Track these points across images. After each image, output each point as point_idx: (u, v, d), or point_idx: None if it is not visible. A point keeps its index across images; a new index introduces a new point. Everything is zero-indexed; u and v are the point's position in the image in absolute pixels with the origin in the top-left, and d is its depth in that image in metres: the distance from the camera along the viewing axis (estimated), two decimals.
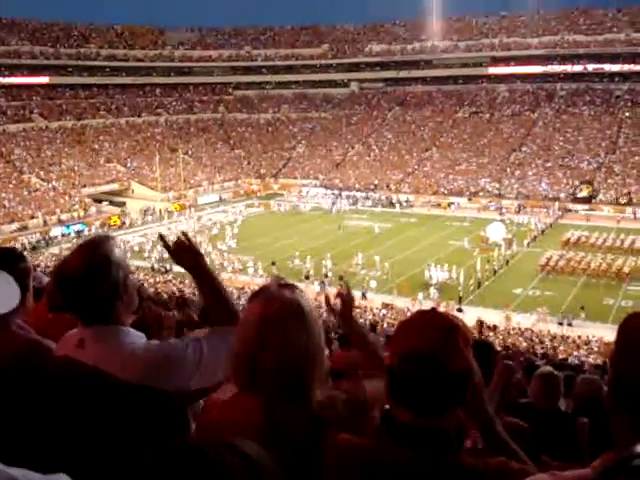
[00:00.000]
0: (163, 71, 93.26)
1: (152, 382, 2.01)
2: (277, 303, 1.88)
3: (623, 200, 56.13)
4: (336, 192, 66.27)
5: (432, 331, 1.61)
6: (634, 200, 56.01)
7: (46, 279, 4.25)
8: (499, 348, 15.94)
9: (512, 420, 3.62)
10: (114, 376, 2.00)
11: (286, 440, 1.75)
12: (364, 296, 34.32)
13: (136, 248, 46.62)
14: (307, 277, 38.01)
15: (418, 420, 1.59)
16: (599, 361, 19.48)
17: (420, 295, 34.26)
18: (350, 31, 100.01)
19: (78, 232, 50.94)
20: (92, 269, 2.10)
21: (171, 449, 0.91)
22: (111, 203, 61.53)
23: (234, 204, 64.09)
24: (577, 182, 60.14)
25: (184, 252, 2.41)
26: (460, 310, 32.43)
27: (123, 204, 61.85)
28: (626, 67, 78.53)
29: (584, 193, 57.62)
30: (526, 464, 1.62)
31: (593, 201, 57.50)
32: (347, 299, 2.56)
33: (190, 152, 76.99)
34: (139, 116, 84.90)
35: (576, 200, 57.68)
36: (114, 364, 2.02)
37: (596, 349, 25.08)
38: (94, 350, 2.08)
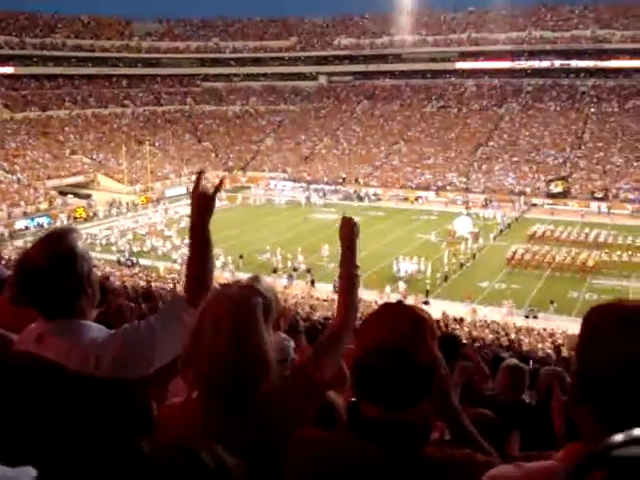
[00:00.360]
0: (130, 62, 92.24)
1: (116, 374, 1.98)
2: (222, 305, 1.86)
3: (599, 195, 56.72)
4: (304, 185, 66.20)
5: (399, 324, 1.61)
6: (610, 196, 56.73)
7: (8, 272, 4.19)
8: (465, 341, 16.06)
9: (481, 411, 3.64)
10: (74, 370, 1.96)
11: (234, 444, 1.74)
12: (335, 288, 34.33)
13: (103, 241, 46.15)
14: (275, 271, 37.98)
15: (385, 414, 1.59)
16: (566, 354, 19.74)
17: (388, 288, 34.39)
18: (319, 24, 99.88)
19: (43, 225, 50.23)
20: (55, 262, 2.06)
21: (110, 452, 0.87)
22: (77, 196, 60.72)
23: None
24: (548, 177, 60.50)
25: (204, 197, 2.45)
26: (426, 303, 32.73)
27: (89, 196, 61.12)
28: (592, 63, 79.58)
29: (559, 189, 57.93)
30: (491, 456, 1.63)
31: (568, 196, 57.89)
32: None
33: (157, 144, 76.37)
34: (105, 107, 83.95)
35: (550, 196, 57.96)
36: (75, 359, 1.98)
37: (560, 341, 25.41)
38: (54, 345, 2.03)
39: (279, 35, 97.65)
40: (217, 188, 2.45)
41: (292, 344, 4.25)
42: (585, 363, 1.37)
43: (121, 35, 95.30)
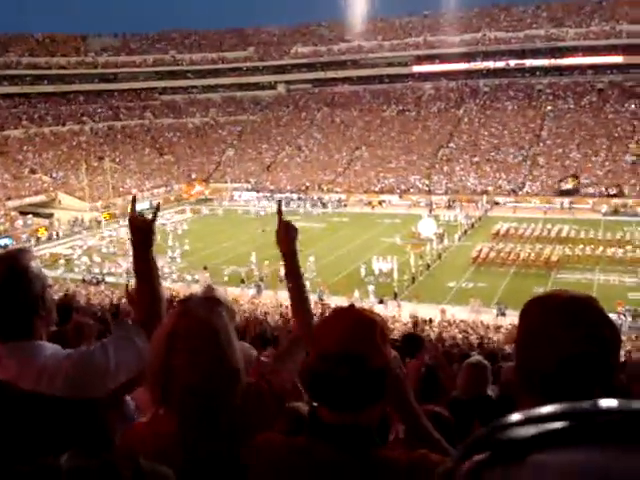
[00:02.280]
0: (86, 78, 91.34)
1: (70, 393, 1.97)
2: (188, 319, 1.86)
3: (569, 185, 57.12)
4: (267, 195, 66.11)
5: (349, 329, 1.61)
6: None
7: None
8: (435, 340, 16.16)
9: (431, 407, 3.67)
10: (27, 390, 1.93)
11: (205, 462, 1.76)
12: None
13: (64, 260, 45.59)
14: (242, 281, 37.85)
15: (338, 417, 1.60)
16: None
17: (356, 293, 34.49)
18: (275, 33, 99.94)
19: (7, 246, 49.40)
20: (6, 283, 2.04)
21: (30, 466, 0.86)
22: (38, 215, 59.90)
23: (167, 211, 63.40)
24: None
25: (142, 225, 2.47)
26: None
27: (50, 216, 60.32)
28: (547, 62, 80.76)
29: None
30: (447, 455, 1.64)
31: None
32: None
33: (118, 159, 75.65)
34: (63, 125, 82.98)
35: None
36: (27, 379, 1.97)
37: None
38: (6, 366, 2.02)
39: (236, 46, 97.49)
40: (154, 215, 2.45)
41: (255, 353, 4.24)
42: (528, 354, 1.39)
43: (77, 51, 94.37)
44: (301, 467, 1.62)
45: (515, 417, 0.69)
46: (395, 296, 34.86)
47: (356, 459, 1.56)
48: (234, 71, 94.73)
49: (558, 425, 0.64)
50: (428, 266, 40.00)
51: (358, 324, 1.63)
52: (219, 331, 1.85)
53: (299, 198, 64.40)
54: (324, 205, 61.71)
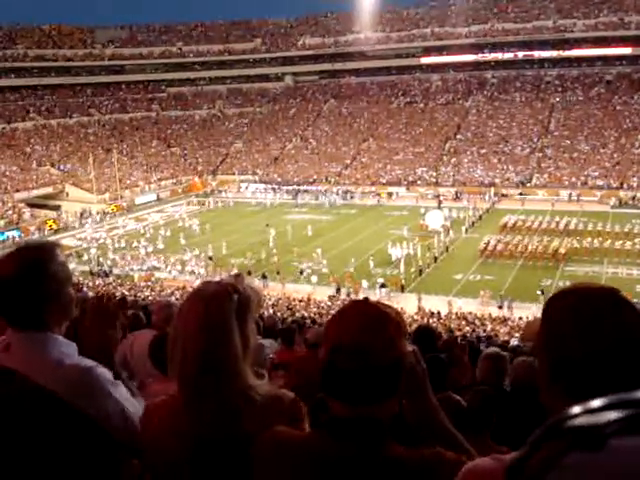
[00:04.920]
0: (94, 70, 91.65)
1: (69, 397, 1.96)
2: (202, 301, 1.87)
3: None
4: (275, 187, 66.23)
5: (363, 322, 1.60)
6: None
7: None
8: (443, 333, 16.14)
9: (449, 395, 3.64)
10: (36, 382, 1.95)
11: (217, 437, 1.78)
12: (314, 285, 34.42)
13: (74, 252, 45.75)
14: (249, 273, 37.88)
15: (350, 411, 1.58)
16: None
17: (365, 283, 34.62)
18: (282, 25, 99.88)
19: (14, 238, 49.59)
20: (23, 273, 2.04)
21: None
22: (46, 207, 60.13)
23: (173, 203, 63.61)
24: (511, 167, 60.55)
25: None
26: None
27: (58, 208, 60.51)
28: (555, 53, 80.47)
29: None
30: (463, 454, 1.61)
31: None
32: None
33: (125, 152, 75.86)
34: (70, 117, 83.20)
35: None
36: (37, 371, 1.97)
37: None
38: (19, 355, 2.02)
39: (243, 37, 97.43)
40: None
41: (267, 343, 4.23)
42: (554, 345, 1.40)
43: (83, 43, 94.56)
44: (309, 461, 1.61)
45: (575, 409, 0.72)
46: (402, 288, 34.88)
47: (366, 454, 1.55)
48: (241, 63, 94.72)
49: (624, 412, 0.67)
50: (435, 258, 39.97)
51: (371, 317, 1.61)
52: (220, 316, 1.86)
53: (306, 190, 64.40)
54: (331, 197, 61.44)
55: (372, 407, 1.58)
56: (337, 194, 61.84)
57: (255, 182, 69.58)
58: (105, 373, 2.08)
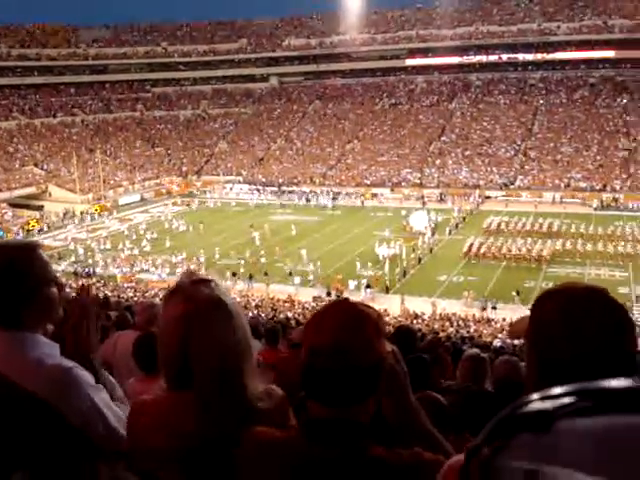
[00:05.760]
0: (77, 70, 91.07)
1: (49, 397, 1.95)
2: (197, 300, 1.86)
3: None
4: (260, 188, 66.19)
5: (342, 322, 1.59)
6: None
7: None
8: (427, 334, 16.17)
9: (428, 393, 3.65)
10: (14, 382, 1.95)
11: (220, 436, 1.76)
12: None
13: (57, 252, 45.48)
14: (234, 274, 37.81)
15: (329, 412, 1.58)
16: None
17: (351, 285, 34.66)
18: (268, 25, 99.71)
19: None
20: (1, 273, 2.03)
21: None
22: (28, 207, 59.73)
23: (156, 203, 63.36)
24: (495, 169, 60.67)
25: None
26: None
27: (41, 208, 60.14)
28: (539, 56, 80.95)
29: None
30: (441, 454, 1.62)
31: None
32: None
33: (109, 152, 75.47)
34: (54, 117, 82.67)
35: None
36: (15, 371, 1.96)
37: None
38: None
39: (228, 38, 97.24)
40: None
41: (254, 343, 4.23)
42: (543, 345, 1.42)
43: (67, 42, 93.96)
44: (291, 462, 1.60)
45: (533, 396, 0.77)
46: (387, 289, 34.96)
47: (346, 455, 1.55)
48: (226, 63, 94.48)
49: (576, 398, 0.73)
50: (419, 260, 40.07)
51: (350, 317, 1.61)
52: (231, 303, 1.89)
53: (291, 191, 64.41)
54: (316, 198, 61.47)
55: (351, 408, 1.57)
56: (329, 194, 61.83)
57: (240, 183, 69.43)
58: (85, 375, 2.07)
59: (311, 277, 36.92)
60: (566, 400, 0.73)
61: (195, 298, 1.86)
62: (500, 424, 0.78)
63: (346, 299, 1.69)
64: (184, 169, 75.17)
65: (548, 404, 0.74)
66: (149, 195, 67.09)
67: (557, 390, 0.75)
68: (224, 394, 1.83)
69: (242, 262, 39.97)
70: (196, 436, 1.79)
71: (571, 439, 0.70)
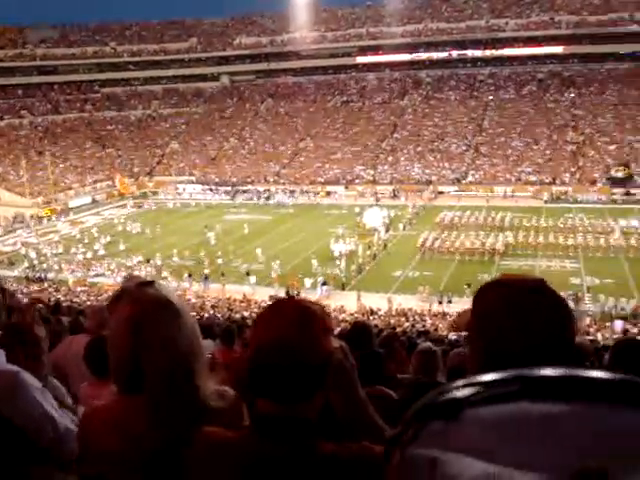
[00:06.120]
0: (25, 71, 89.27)
1: None
2: (143, 301, 1.85)
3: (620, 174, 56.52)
4: (213, 187, 65.83)
5: (288, 319, 1.60)
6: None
7: None
8: (383, 329, 16.26)
9: (379, 389, 3.67)
10: None
11: (172, 437, 1.76)
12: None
13: (7, 258, 44.61)
14: (190, 275, 37.53)
15: (277, 409, 1.58)
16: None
17: (307, 282, 34.67)
18: (218, 24, 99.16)
19: None
20: None
21: None
22: None
23: (107, 206, 62.55)
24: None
25: None
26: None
27: None
28: (488, 52, 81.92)
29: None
30: None
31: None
32: None
33: (58, 154, 74.21)
34: (1, 119, 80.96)
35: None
36: None
37: None
38: None
39: (178, 37, 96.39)
40: None
41: (205, 343, 4.20)
42: (490, 336, 1.44)
43: (14, 43, 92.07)
44: (241, 461, 1.60)
45: (451, 384, 0.79)
46: (343, 286, 35.05)
47: (295, 452, 1.55)
48: (176, 62, 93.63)
49: (486, 386, 0.75)
50: (375, 256, 40.26)
51: (296, 314, 1.61)
52: (178, 304, 1.88)
53: (244, 191, 64.17)
54: (269, 197, 61.35)
55: (299, 405, 1.58)
56: (285, 193, 61.72)
57: (192, 183, 68.93)
58: (31, 379, 2.04)
59: (272, 274, 36.75)
60: (478, 388, 0.74)
61: (141, 300, 1.85)
62: (416, 413, 0.79)
63: (291, 296, 1.70)
64: (136, 170, 74.33)
65: (462, 392, 0.75)
66: (101, 197, 66.20)
67: (476, 378, 0.76)
68: (175, 395, 1.82)
69: (197, 263, 39.72)
70: (148, 438, 1.77)
71: (474, 427, 0.71)
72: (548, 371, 0.73)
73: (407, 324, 25.70)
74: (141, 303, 1.84)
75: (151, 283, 1.92)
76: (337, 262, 37.95)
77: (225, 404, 1.90)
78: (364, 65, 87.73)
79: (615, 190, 53.81)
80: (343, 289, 34.80)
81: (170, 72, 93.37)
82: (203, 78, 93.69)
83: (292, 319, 1.60)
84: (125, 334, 1.82)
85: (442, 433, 0.74)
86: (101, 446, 1.86)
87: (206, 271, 37.95)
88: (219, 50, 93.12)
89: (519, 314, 1.42)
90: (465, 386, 0.76)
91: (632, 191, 53.39)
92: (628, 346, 4.17)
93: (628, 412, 0.67)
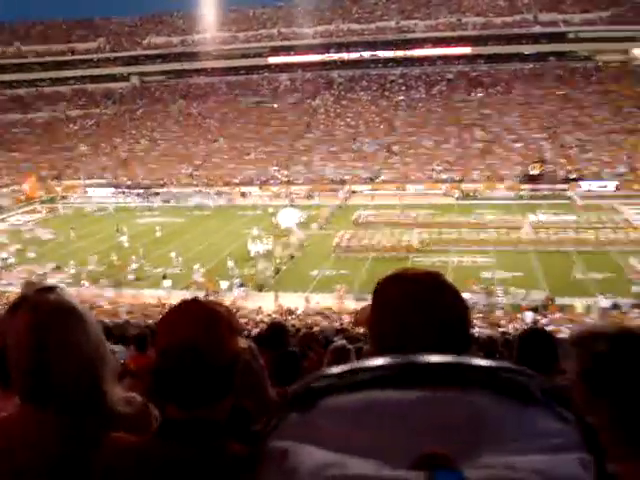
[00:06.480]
0: None
1: None
2: (44, 308, 1.77)
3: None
4: (125, 190, 64.59)
5: (192, 321, 1.56)
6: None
7: None
8: (301, 329, 16.29)
9: (287, 388, 3.66)
10: None
11: (82, 446, 1.70)
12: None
13: None
14: (104, 280, 36.71)
15: (185, 413, 1.55)
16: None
17: (223, 284, 34.40)
18: (127, 24, 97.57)
19: None
20: None
21: None
22: None
23: (12, 212, 60.53)
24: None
25: None
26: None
27: None
28: (398, 53, 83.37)
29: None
30: None
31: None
32: None
33: None
34: None
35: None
36: None
37: None
38: None
39: (86, 37, 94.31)
40: None
41: (117, 349, 4.09)
42: (383, 333, 1.47)
43: None
44: (147, 466, 1.56)
45: (314, 375, 0.78)
46: (260, 287, 34.97)
47: (202, 455, 1.52)
48: (84, 63, 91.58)
49: (344, 375, 0.75)
50: (292, 256, 40.32)
51: (201, 316, 1.58)
52: (81, 309, 1.82)
53: (157, 193, 63.13)
54: (183, 199, 60.57)
55: (207, 408, 1.55)
56: (209, 194, 60.99)
57: (103, 186, 67.38)
58: None
59: (197, 278, 36.28)
60: (334, 379, 0.74)
61: (42, 306, 1.77)
62: (279, 405, 0.79)
63: (195, 298, 1.65)
64: (43, 174, 72.11)
65: (318, 383, 0.75)
66: (7, 203, 63.94)
67: (339, 368, 0.76)
68: (83, 403, 1.75)
69: (110, 267, 38.93)
70: (55, 446, 1.71)
71: (325, 417, 0.71)
72: (433, 358, 0.74)
73: (325, 323, 25.82)
74: (42, 309, 1.76)
75: (52, 289, 1.85)
76: (254, 263, 37.87)
77: (132, 410, 1.84)
78: (276, 65, 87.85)
79: (524, 187, 55.49)
80: (260, 290, 34.70)
81: (79, 72, 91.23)
82: (113, 78, 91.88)
83: (197, 320, 1.57)
84: (27, 342, 1.74)
85: (297, 424, 0.73)
86: (5, 461, 1.75)
87: (129, 276, 37.30)
88: (128, 50, 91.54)
89: (419, 308, 1.43)
90: (325, 377, 0.76)
91: (542, 187, 55.02)
92: (532, 334, 4.59)
93: (472, 396, 0.68)
